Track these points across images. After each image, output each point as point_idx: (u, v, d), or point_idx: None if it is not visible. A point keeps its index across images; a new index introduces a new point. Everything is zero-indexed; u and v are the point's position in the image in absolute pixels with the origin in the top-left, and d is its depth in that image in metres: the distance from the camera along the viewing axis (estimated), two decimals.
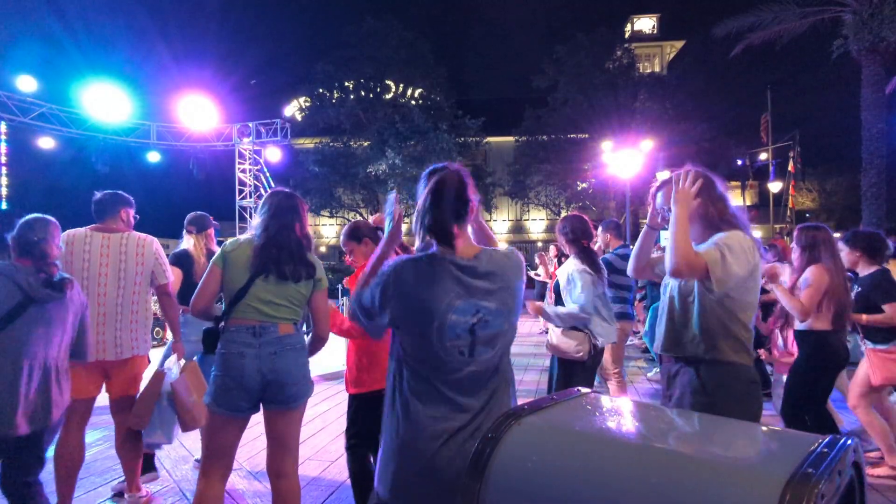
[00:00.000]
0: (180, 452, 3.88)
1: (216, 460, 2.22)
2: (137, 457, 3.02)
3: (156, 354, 3.34)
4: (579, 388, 1.36)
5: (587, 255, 3.25)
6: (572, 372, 3.22)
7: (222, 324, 2.25)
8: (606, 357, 4.08)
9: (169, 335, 3.48)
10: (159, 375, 2.94)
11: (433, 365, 1.46)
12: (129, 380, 2.93)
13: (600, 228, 4.48)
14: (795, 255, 3.38)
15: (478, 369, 1.48)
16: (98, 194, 3.00)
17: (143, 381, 2.99)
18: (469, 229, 1.60)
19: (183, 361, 3.04)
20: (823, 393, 3.26)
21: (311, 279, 2.31)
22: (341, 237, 2.85)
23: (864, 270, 3.55)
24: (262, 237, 2.26)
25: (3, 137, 14.72)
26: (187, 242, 3.61)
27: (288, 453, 2.29)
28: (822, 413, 3.25)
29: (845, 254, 3.59)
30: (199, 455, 3.64)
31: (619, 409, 1.28)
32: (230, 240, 2.34)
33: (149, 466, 3.32)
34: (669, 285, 2.08)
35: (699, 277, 1.88)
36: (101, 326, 2.78)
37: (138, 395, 2.92)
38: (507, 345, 1.59)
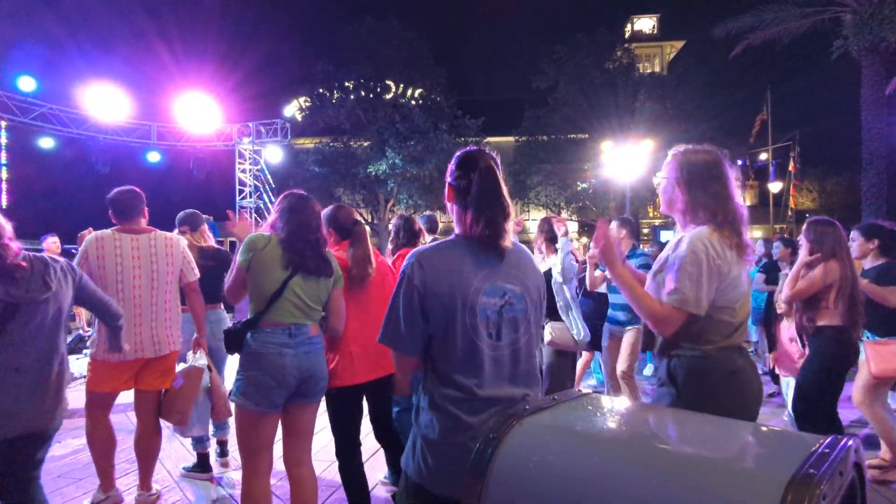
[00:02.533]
0: (181, 452, 3.88)
1: (260, 456, 2.29)
2: (156, 454, 3.09)
3: None
4: (580, 388, 1.36)
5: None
6: (564, 363, 3.77)
7: (237, 323, 2.29)
8: (622, 360, 4.29)
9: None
10: (199, 372, 3.02)
11: (462, 357, 1.42)
12: (164, 373, 3.02)
13: (615, 224, 4.35)
14: (803, 249, 3.30)
15: (503, 354, 1.47)
16: (116, 193, 2.97)
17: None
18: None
19: (202, 356, 3.12)
20: (834, 391, 3.18)
21: (332, 276, 2.38)
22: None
23: (872, 262, 3.50)
24: (287, 235, 2.30)
25: (3, 137, 14.72)
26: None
27: (307, 443, 2.47)
28: (832, 412, 3.17)
29: (858, 243, 3.52)
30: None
31: (620, 410, 1.28)
32: (254, 236, 2.32)
33: (205, 467, 3.47)
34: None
35: (681, 323, 1.69)
36: (137, 326, 2.86)
37: (178, 394, 2.96)
38: (531, 337, 1.55)
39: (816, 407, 3.14)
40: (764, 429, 1.19)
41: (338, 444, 2.57)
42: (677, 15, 36.35)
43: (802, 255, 3.26)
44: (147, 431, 3.01)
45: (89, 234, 2.89)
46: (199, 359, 3.09)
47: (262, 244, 2.28)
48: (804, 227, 3.38)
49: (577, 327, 3.62)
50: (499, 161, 1.58)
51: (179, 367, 3.12)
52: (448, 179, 1.58)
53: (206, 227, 3.82)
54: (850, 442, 0.88)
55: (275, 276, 2.25)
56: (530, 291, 1.54)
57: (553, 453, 1.02)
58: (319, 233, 2.39)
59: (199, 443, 3.45)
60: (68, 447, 3.95)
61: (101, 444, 2.91)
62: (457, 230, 1.54)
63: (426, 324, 1.44)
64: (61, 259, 2.19)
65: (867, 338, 3.51)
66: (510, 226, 1.54)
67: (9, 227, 2.04)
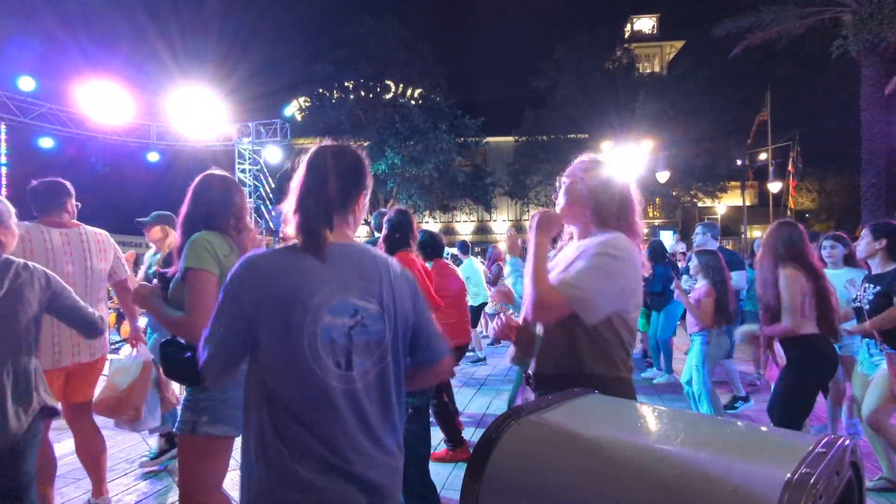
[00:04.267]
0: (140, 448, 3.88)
1: (219, 490, 1.96)
2: (104, 459, 2.97)
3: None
4: (578, 388, 1.36)
5: None
6: None
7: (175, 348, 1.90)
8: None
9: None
10: (148, 366, 2.96)
11: (302, 388, 1.20)
12: (94, 381, 2.85)
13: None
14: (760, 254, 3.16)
15: (356, 388, 1.24)
16: (36, 183, 2.78)
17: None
18: (351, 220, 1.39)
19: (144, 349, 3.09)
20: (808, 405, 2.97)
21: None
22: None
23: (885, 267, 3.25)
24: (227, 232, 1.99)
25: (3, 137, 14.71)
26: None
27: None
28: (799, 427, 2.97)
29: (866, 242, 3.30)
30: None
31: (618, 410, 1.28)
32: (205, 236, 1.88)
33: (173, 443, 3.48)
34: None
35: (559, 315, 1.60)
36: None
37: (130, 391, 2.85)
38: (395, 368, 1.32)
39: (790, 419, 2.93)
40: (761, 429, 1.19)
41: None
42: (677, 15, 36.29)
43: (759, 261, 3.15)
44: (88, 438, 2.86)
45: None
46: (142, 353, 3.04)
47: (225, 249, 1.91)
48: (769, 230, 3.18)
49: None
50: (359, 158, 1.40)
51: (113, 360, 3.06)
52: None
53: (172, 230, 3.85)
54: (847, 442, 0.88)
55: None
56: (389, 307, 1.31)
57: (551, 453, 1.02)
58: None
59: (158, 429, 3.46)
60: (68, 447, 3.94)
61: (88, 455, 2.84)
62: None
63: (253, 348, 1.27)
64: (33, 265, 2.02)
65: (888, 350, 3.15)
66: (351, 217, 1.37)
67: None
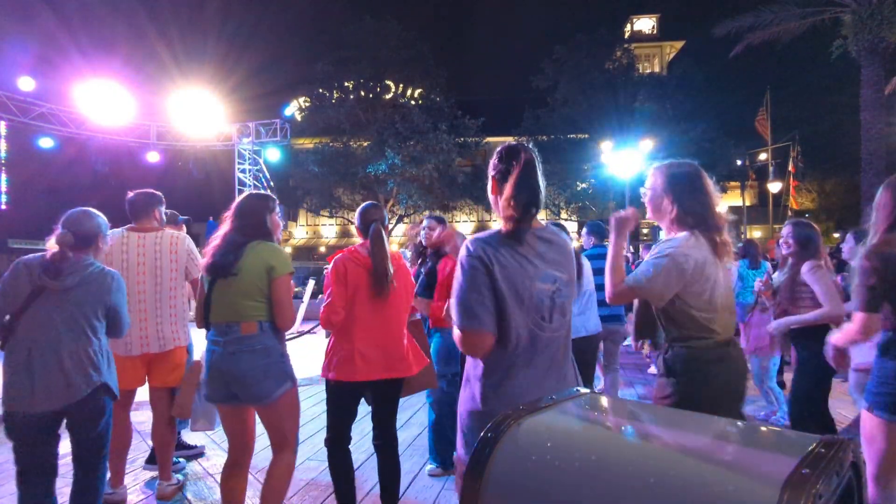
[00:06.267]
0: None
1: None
2: (171, 446, 3.23)
3: None
4: (578, 388, 1.36)
5: None
6: None
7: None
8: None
9: None
10: (197, 366, 3.03)
11: (515, 341, 1.52)
12: (171, 369, 3.12)
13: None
14: (786, 251, 3.36)
15: (551, 336, 1.58)
16: (132, 195, 3.14)
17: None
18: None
19: None
20: (825, 392, 3.20)
21: (237, 275, 2.38)
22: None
23: None
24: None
25: (3, 137, 14.72)
26: None
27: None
28: (825, 413, 3.21)
29: (849, 247, 3.63)
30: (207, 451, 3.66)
31: (618, 409, 1.28)
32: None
33: (187, 447, 3.76)
34: None
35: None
36: (143, 322, 2.97)
37: (181, 386, 3.02)
38: (569, 320, 1.68)
39: (812, 410, 3.16)
40: (760, 428, 1.19)
41: (327, 432, 2.65)
42: (677, 15, 36.44)
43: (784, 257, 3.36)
44: (161, 423, 3.14)
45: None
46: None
47: None
48: (785, 228, 3.42)
49: None
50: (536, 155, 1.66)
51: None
52: (491, 172, 1.68)
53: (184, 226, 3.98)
54: (847, 441, 0.88)
55: None
56: (571, 274, 1.67)
57: (551, 453, 1.02)
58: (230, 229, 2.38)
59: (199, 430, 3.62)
60: (68, 447, 3.94)
61: (117, 442, 2.97)
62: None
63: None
64: (110, 269, 2.41)
65: None
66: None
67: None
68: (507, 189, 1.58)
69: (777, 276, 3.54)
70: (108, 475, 3.12)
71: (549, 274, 1.59)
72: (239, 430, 2.45)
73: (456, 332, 1.57)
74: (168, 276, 3.05)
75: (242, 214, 2.42)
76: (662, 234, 2.34)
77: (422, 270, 3.54)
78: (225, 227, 2.40)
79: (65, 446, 2.88)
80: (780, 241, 3.45)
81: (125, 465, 3.22)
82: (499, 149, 1.68)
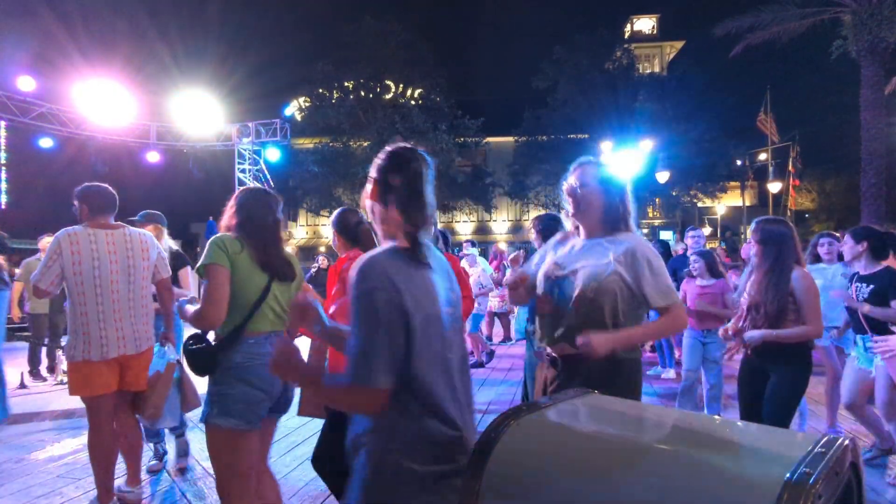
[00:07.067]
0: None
1: (248, 479, 2.09)
2: (140, 449, 3.14)
3: None
4: (578, 388, 1.36)
5: None
6: None
7: (210, 336, 2.11)
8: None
9: None
10: (171, 366, 3.07)
11: (437, 371, 1.30)
12: (142, 371, 3.01)
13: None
14: (754, 250, 2.93)
15: (454, 356, 1.37)
16: (95, 186, 2.95)
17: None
18: None
19: (171, 349, 3.18)
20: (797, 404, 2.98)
21: (294, 279, 2.26)
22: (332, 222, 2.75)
23: (872, 267, 3.46)
24: (253, 237, 2.15)
25: (3, 137, 14.71)
26: (168, 240, 3.89)
27: (268, 451, 2.40)
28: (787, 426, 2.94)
29: (848, 247, 3.54)
30: (201, 459, 3.66)
31: (618, 409, 1.28)
32: (220, 237, 2.12)
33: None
34: None
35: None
36: (118, 322, 2.84)
37: (152, 389, 2.99)
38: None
39: (787, 421, 2.82)
40: (760, 428, 1.19)
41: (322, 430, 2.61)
42: (677, 15, 36.30)
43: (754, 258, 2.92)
44: (129, 427, 3.05)
45: (59, 232, 2.82)
46: (170, 353, 3.14)
47: (232, 248, 2.08)
48: (752, 226, 3.00)
49: None
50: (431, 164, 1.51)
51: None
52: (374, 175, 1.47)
53: (164, 228, 3.96)
54: (846, 442, 0.88)
55: (254, 280, 2.09)
56: (457, 292, 1.50)
57: (550, 453, 1.02)
58: (278, 233, 2.25)
59: (176, 429, 3.60)
60: (67, 447, 3.95)
61: (103, 457, 2.87)
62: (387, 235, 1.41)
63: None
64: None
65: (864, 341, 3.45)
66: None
67: None
68: (403, 199, 1.40)
69: (744, 276, 3.15)
70: (126, 476, 3.11)
71: (447, 293, 1.38)
72: (266, 443, 2.33)
73: (346, 389, 1.24)
74: (140, 274, 2.95)
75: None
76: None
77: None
78: (227, 221, 2.21)
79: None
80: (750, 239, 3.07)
81: (140, 465, 3.15)
82: (388, 151, 1.52)
